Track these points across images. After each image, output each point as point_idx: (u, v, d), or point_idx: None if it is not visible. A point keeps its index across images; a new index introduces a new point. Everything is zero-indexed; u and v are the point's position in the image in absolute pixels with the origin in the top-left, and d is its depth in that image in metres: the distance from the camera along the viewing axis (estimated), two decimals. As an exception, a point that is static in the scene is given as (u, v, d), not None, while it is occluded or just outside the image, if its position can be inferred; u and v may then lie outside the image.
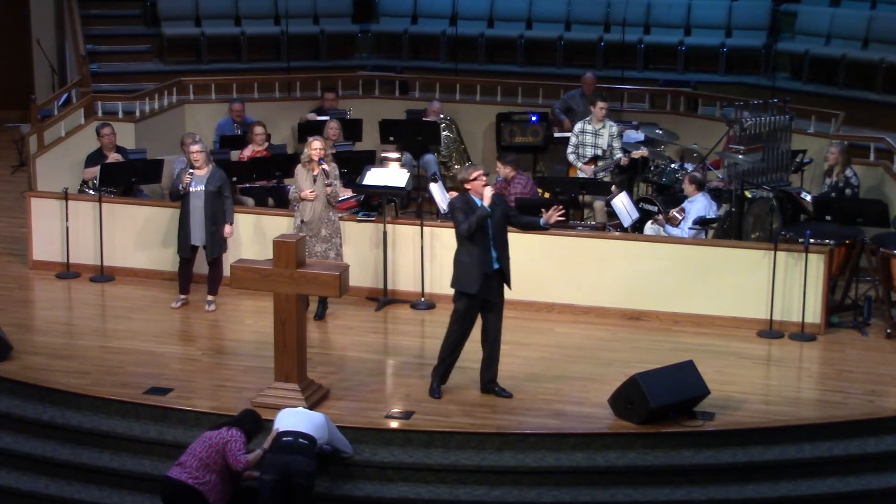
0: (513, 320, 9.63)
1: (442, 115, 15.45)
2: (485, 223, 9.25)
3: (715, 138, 13.65)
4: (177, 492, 8.34)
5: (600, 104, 13.46)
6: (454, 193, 12.61)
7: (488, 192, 9.27)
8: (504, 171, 12.41)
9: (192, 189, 11.19)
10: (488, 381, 9.63)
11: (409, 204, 13.29)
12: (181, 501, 8.36)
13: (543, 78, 16.91)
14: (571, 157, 13.59)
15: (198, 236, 11.32)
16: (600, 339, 10.93)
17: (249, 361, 10.28)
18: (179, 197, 11.36)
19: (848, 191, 12.31)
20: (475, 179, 9.34)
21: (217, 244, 11.34)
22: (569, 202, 12.99)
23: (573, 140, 13.61)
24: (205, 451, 8.39)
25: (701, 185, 12.04)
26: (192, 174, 11.21)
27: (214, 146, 14.45)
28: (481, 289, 9.29)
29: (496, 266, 9.34)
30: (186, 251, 11.40)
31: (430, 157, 14.83)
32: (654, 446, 9.03)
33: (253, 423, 8.69)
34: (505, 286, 9.48)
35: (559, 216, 9.45)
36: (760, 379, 10.22)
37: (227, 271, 11.42)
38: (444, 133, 15.39)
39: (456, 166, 15.40)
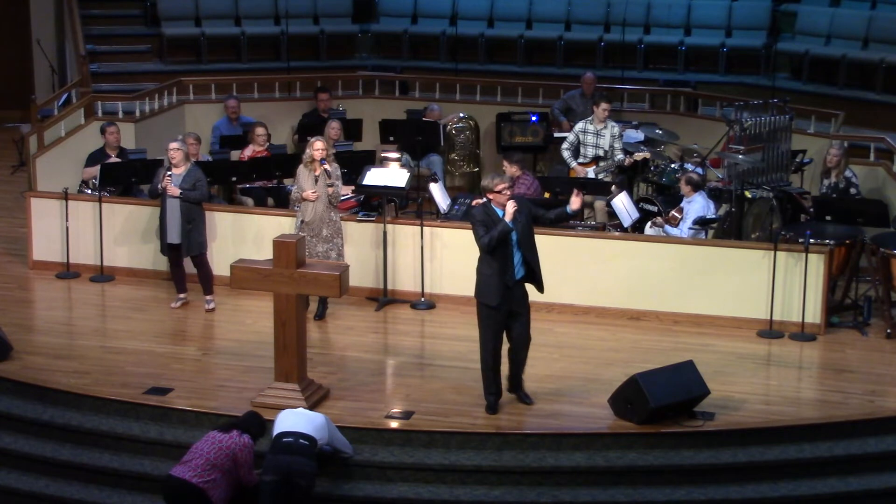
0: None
1: (462, 115, 15.47)
2: (507, 236, 9.06)
3: (715, 138, 13.65)
4: (181, 491, 8.32)
5: (604, 105, 13.42)
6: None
7: (510, 208, 8.99)
8: (510, 170, 12.31)
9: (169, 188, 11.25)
10: (518, 389, 9.49)
11: (407, 204, 13.28)
12: (184, 500, 8.35)
13: (543, 78, 16.91)
14: (566, 154, 13.56)
15: (174, 234, 11.33)
16: (600, 339, 10.93)
17: (249, 361, 10.28)
18: (158, 195, 11.41)
19: (853, 190, 12.31)
20: (499, 192, 9.09)
21: (193, 242, 11.35)
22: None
23: (570, 138, 13.59)
24: (213, 453, 8.34)
25: (697, 186, 12.03)
26: (170, 175, 11.25)
27: (212, 147, 14.46)
28: (503, 300, 9.12)
29: (519, 276, 9.15)
30: (165, 250, 11.44)
31: (435, 158, 14.82)
32: (654, 446, 9.03)
33: (258, 426, 8.67)
34: (529, 291, 9.29)
35: (578, 197, 9.19)
36: (760, 379, 10.22)
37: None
38: (464, 133, 15.41)
39: (464, 168, 15.41)
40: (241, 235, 12.09)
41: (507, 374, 9.49)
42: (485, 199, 9.24)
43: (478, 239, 9.10)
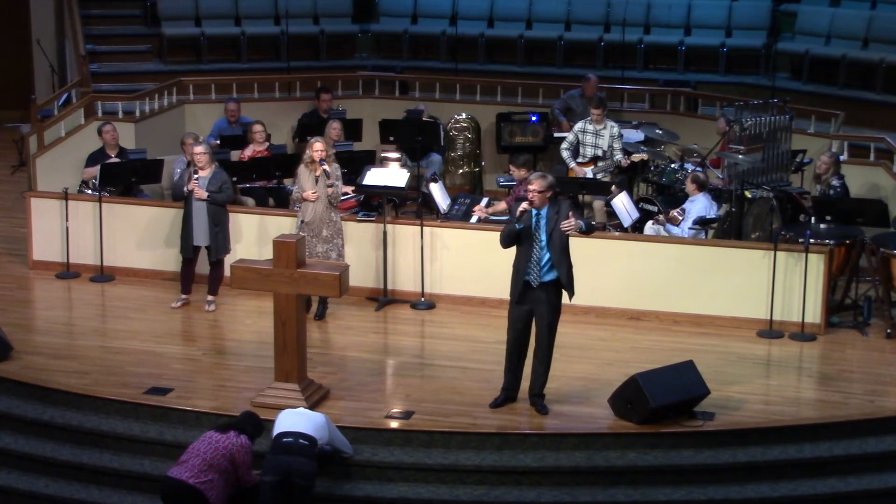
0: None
1: (465, 115, 15.47)
2: (533, 235, 9.03)
3: (715, 138, 13.66)
4: (178, 492, 8.32)
5: (594, 111, 13.40)
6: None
7: (521, 207, 9.05)
8: (518, 173, 12.13)
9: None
10: (533, 394, 9.45)
11: (406, 204, 13.26)
12: (181, 501, 8.35)
13: (543, 78, 16.90)
14: (565, 154, 13.52)
15: (200, 237, 11.33)
16: (600, 339, 10.93)
17: (249, 361, 10.28)
18: (182, 197, 11.40)
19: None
20: (527, 190, 9.14)
21: (220, 245, 11.36)
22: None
23: (570, 138, 13.57)
24: (210, 453, 8.33)
25: (702, 186, 12.03)
26: (198, 179, 11.21)
27: (208, 139, 14.45)
28: (521, 297, 9.14)
29: (547, 278, 9.08)
30: (188, 252, 11.42)
31: (435, 157, 14.80)
32: (654, 446, 9.03)
33: (255, 426, 8.66)
34: (558, 297, 9.23)
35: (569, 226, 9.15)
36: (760, 379, 10.22)
37: (228, 271, 11.49)
38: (464, 133, 15.41)
39: (464, 168, 15.40)
40: (242, 235, 12.07)
41: (530, 387, 9.47)
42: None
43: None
